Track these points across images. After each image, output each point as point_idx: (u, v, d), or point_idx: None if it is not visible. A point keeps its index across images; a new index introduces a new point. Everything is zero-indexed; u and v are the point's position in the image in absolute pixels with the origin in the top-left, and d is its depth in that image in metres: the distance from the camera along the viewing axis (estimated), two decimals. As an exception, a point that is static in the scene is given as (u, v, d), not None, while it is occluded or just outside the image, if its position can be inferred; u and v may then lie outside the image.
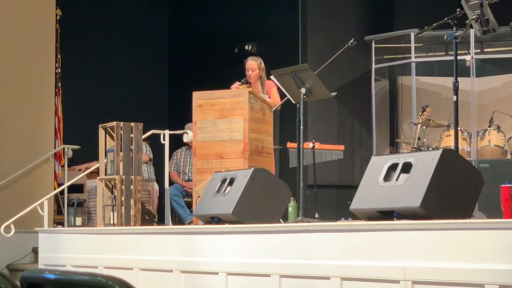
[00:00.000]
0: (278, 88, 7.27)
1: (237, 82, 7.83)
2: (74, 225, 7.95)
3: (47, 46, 9.58)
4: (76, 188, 9.57)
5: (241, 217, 5.65)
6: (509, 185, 4.91)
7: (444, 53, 10.30)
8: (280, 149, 9.37)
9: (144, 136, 7.34)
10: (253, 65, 7.89)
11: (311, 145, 8.32)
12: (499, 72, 10.49)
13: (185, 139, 8.23)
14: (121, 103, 11.71)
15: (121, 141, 6.91)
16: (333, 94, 7.40)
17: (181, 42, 12.75)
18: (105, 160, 7.10)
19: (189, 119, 7.46)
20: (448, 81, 7.19)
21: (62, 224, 9.07)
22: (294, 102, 6.75)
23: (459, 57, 6.38)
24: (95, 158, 7.96)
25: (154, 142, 8.64)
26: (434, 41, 10.22)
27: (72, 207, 8.11)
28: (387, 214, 4.55)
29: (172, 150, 8.70)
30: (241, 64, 8.08)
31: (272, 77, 6.92)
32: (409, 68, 10.30)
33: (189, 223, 8.32)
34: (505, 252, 3.87)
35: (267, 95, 7.75)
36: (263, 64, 7.92)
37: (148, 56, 12.68)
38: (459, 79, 6.18)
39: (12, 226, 7.66)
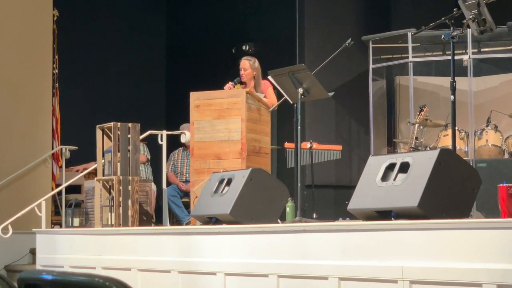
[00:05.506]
0: (275, 88, 7.26)
1: (230, 82, 7.83)
2: (72, 226, 7.95)
3: (44, 46, 9.57)
4: (74, 189, 9.57)
5: (239, 217, 5.64)
6: (507, 185, 4.91)
7: (441, 53, 10.30)
8: (277, 149, 9.37)
9: (141, 137, 7.33)
10: (245, 64, 7.89)
11: (308, 145, 8.32)
12: (496, 71, 10.49)
13: (183, 139, 8.23)
14: (119, 104, 11.70)
15: (118, 141, 6.91)
16: (331, 94, 7.39)
17: (178, 43, 12.74)
18: (103, 160, 7.09)
19: (187, 120, 7.45)
20: (446, 81, 7.20)
21: (60, 225, 9.07)
22: (291, 102, 6.75)
23: (456, 57, 6.37)
24: (93, 158, 7.96)
25: (152, 143, 8.63)
26: (431, 41, 10.22)
27: (70, 208, 8.10)
28: (384, 214, 4.55)
29: (169, 151, 8.69)
30: (239, 65, 8.07)
31: (269, 77, 6.92)
32: (406, 68, 10.30)
33: (187, 224, 8.32)
34: (502, 251, 3.87)
35: (262, 94, 7.73)
36: (256, 64, 7.90)
37: (146, 56, 12.67)
38: (456, 78, 6.18)
39: (9, 227, 7.64)
